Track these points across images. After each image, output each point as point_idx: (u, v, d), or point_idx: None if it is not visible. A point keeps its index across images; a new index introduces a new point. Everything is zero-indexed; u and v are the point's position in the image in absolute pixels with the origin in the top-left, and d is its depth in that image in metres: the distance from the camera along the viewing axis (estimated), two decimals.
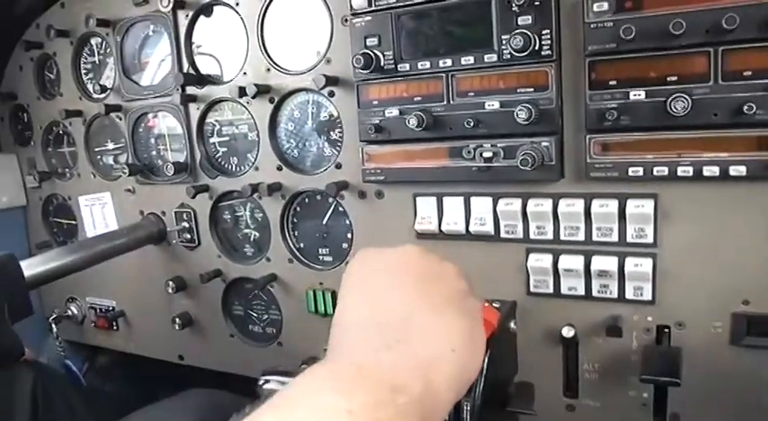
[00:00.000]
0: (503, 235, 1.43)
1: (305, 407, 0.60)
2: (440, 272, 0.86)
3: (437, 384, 0.71)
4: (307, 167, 1.72)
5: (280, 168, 1.72)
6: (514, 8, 1.26)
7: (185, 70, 1.83)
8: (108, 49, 2.03)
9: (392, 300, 0.80)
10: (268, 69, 1.68)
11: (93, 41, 2.07)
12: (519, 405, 1.31)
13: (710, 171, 1.17)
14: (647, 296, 1.31)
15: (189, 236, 1.96)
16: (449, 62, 1.36)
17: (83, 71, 2.12)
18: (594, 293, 1.36)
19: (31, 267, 1.63)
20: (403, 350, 0.72)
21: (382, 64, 1.42)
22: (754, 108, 1.10)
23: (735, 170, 1.15)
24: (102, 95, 2.05)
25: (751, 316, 1.24)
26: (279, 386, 1.16)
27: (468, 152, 1.38)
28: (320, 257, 1.76)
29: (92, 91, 2.10)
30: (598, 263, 1.33)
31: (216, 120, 1.85)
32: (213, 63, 1.83)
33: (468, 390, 1.20)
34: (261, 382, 1.18)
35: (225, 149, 1.86)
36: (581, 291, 1.37)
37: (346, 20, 1.49)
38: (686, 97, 1.13)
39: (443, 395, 0.73)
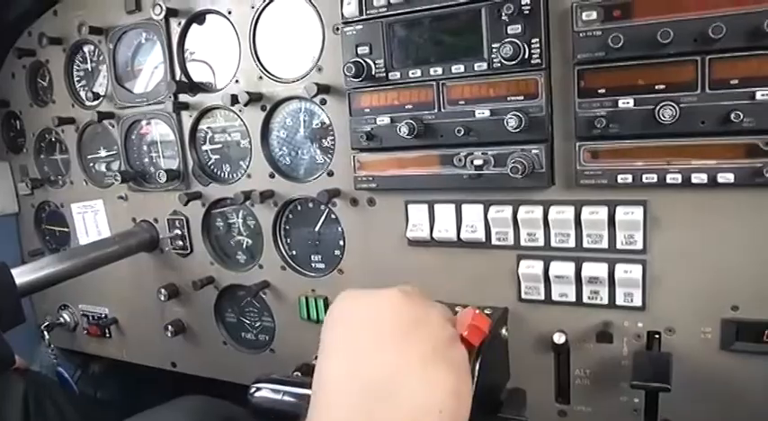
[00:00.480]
0: (494, 242, 1.44)
1: None
2: (425, 320, 0.83)
3: None
4: (299, 175, 1.72)
5: (272, 176, 1.73)
6: (504, 17, 1.27)
7: (178, 78, 1.83)
8: (101, 57, 2.03)
9: (375, 361, 0.77)
10: (260, 77, 1.69)
11: (85, 49, 2.07)
12: (511, 411, 1.31)
13: (699, 178, 1.18)
14: (638, 302, 1.32)
15: (181, 243, 1.96)
16: (439, 70, 1.37)
17: (75, 78, 2.12)
18: (585, 300, 1.36)
19: (22, 275, 1.63)
20: (387, 415, 0.71)
21: (373, 72, 1.43)
22: (742, 116, 1.11)
23: (723, 177, 1.16)
24: (95, 103, 2.05)
25: (740, 321, 1.25)
26: (271, 394, 1.16)
27: (459, 160, 1.39)
28: (313, 264, 1.76)
29: (84, 98, 2.10)
30: (588, 269, 1.33)
31: (208, 128, 1.86)
32: (206, 71, 1.84)
33: None
34: (252, 390, 1.18)
35: (217, 157, 1.86)
36: (572, 298, 1.38)
37: (337, 28, 1.50)
38: (674, 105, 1.14)
39: None
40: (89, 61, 2.08)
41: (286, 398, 1.14)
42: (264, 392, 1.17)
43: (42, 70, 2.19)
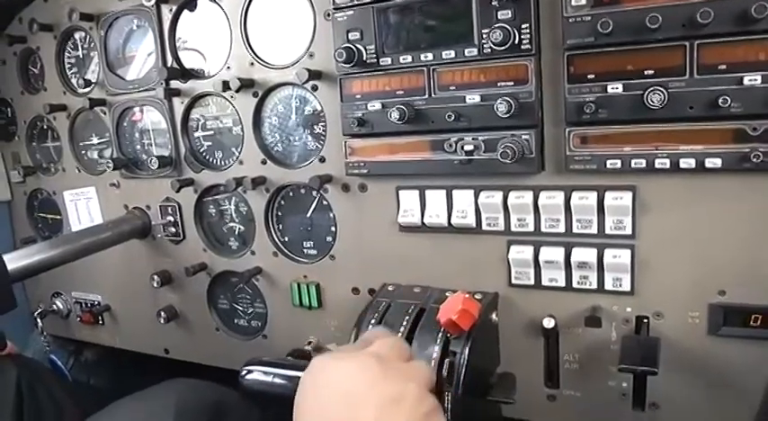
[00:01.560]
0: (484, 227, 1.44)
1: None
2: (401, 396, 0.80)
3: None
4: (291, 161, 1.72)
5: (264, 162, 1.73)
6: (494, 3, 1.28)
7: (169, 64, 1.83)
8: (92, 44, 2.02)
9: None
10: (252, 63, 1.68)
11: (76, 36, 2.07)
12: (500, 394, 1.33)
13: (687, 163, 1.19)
14: (626, 287, 1.33)
15: (174, 230, 1.96)
16: (430, 56, 1.37)
17: (67, 65, 2.11)
18: (575, 285, 1.38)
19: (14, 261, 1.63)
20: None
21: (364, 58, 1.43)
22: (729, 101, 1.12)
23: (710, 162, 1.17)
24: (87, 90, 2.05)
25: (727, 306, 1.26)
26: (261, 376, 1.17)
27: (450, 145, 1.39)
28: (304, 250, 1.77)
29: (76, 85, 2.09)
30: (578, 254, 1.34)
31: (200, 115, 1.85)
32: (197, 57, 1.84)
33: (450, 381, 1.23)
34: (243, 373, 1.19)
35: (209, 143, 1.86)
36: (561, 283, 1.39)
37: (329, 14, 1.50)
38: (663, 90, 1.15)
39: None
40: (80, 48, 2.07)
41: (276, 380, 1.15)
42: (255, 375, 1.18)
43: (33, 57, 2.19)
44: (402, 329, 1.30)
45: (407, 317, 1.34)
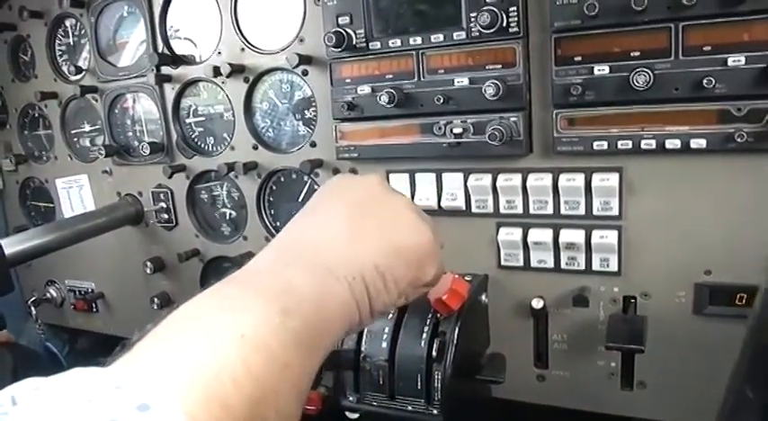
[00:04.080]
0: (474, 210, 1.46)
1: (201, 326, 0.60)
2: (385, 203, 0.88)
3: (328, 309, 0.72)
4: (282, 146, 1.73)
5: (255, 147, 1.74)
6: None
7: (160, 50, 1.83)
8: (83, 31, 2.02)
9: (317, 222, 0.82)
10: (242, 49, 1.69)
11: (67, 23, 2.06)
12: (489, 374, 1.35)
13: (673, 144, 1.20)
14: (614, 267, 1.34)
15: (166, 216, 1.97)
16: (419, 40, 1.38)
17: (57, 53, 2.11)
18: (563, 266, 1.39)
19: (9, 246, 1.63)
20: (301, 270, 0.73)
21: (354, 42, 1.44)
22: (714, 82, 1.13)
23: (695, 143, 1.18)
24: (78, 77, 2.05)
25: (713, 286, 1.27)
26: None
27: (439, 128, 1.40)
28: None
29: (67, 72, 2.09)
30: (566, 235, 1.35)
31: (192, 101, 1.86)
32: (188, 43, 1.84)
33: (440, 360, 1.25)
34: None
35: (201, 129, 1.87)
36: (550, 264, 1.40)
37: None
38: (648, 72, 1.16)
39: (336, 321, 0.73)
40: (71, 35, 2.07)
41: None
42: None
43: (24, 44, 2.18)
44: (392, 310, 1.31)
45: None
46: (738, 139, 1.14)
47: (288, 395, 0.62)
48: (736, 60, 1.12)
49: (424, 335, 1.25)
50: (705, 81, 1.13)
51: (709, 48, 1.13)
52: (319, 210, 0.86)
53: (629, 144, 1.23)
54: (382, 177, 0.92)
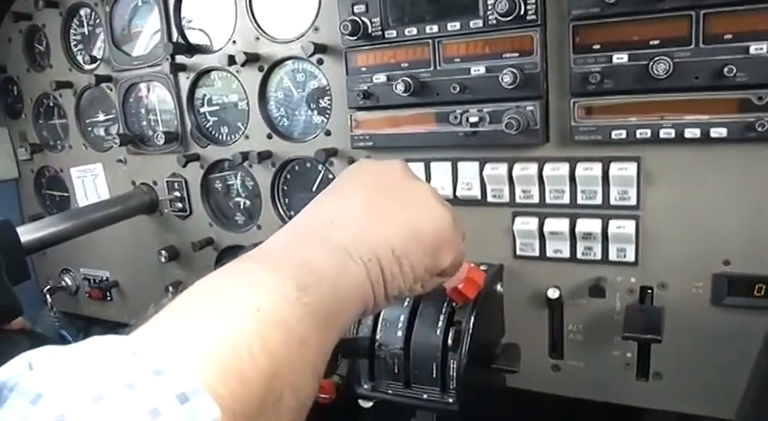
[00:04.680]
0: (489, 199, 1.45)
1: (218, 300, 0.60)
2: (406, 188, 0.88)
3: (345, 289, 0.71)
4: (296, 135, 1.73)
5: (270, 136, 1.73)
6: None
7: (175, 39, 1.83)
8: (97, 20, 2.02)
9: (337, 203, 0.82)
10: (257, 38, 1.68)
11: (82, 12, 2.06)
12: (504, 363, 1.34)
13: (692, 133, 1.19)
14: (631, 257, 1.34)
15: (180, 205, 1.97)
16: (435, 28, 1.37)
17: (72, 42, 2.11)
18: (579, 255, 1.38)
19: (26, 233, 1.64)
20: (318, 249, 0.72)
21: (369, 31, 1.43)
22: (735, 71, 1.12)
23: (716, 132, 1.17)
24: (93, 66, 2.05)
25: (731, 276, 1.26)
26: None
27: (455, 117, 1.39)
28: None
29: (82, 62, 2.10)
30: (583, 225, 1.35)
31: (206, 90, 1.86)
32: (202, 33, 1.83)
33: (455, 349, 1.25)
34: None
35: (215, 119, 1.87)
36: (566, 254, 1.40)
37: None
38: (668, 60, 1.15)
39: (351, 300, 0.73)
40: (86, 25, 2.07)
41: None
42: None
43: (39, 34, 2.18)
44: (407, 299, 1.31)
45: None
46: (759, 128, 1.13)
47: (303, 371, 0.62)
48: (757, 48, 1.10)
49: (440, 324, 1.24)
50: (726, 69, 1.12)
51: (730, 36, 1.12)
52: (339, 192, 0.86)
53: (648, 133, 1.22)
54: (405, 163, 0.91)
